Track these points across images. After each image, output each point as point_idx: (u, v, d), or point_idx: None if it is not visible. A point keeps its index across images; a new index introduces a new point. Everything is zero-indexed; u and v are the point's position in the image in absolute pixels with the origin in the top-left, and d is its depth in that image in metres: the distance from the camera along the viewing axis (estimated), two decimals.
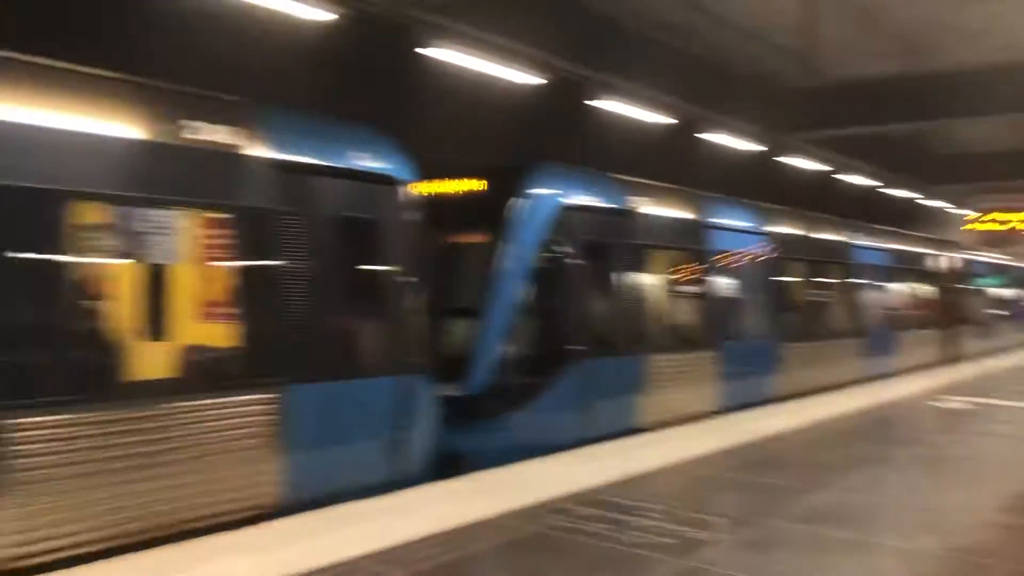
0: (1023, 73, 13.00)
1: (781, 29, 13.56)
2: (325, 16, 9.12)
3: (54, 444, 5.13)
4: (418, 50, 10.56)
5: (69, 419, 5.18)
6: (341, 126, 7.08)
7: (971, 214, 24.85)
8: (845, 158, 19.41)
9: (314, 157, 6.60)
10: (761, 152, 16.38)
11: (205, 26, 9.56)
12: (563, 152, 11.54)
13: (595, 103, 12.80)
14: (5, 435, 4.91)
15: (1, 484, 4.89)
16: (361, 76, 11.55)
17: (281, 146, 6.36)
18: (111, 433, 5.32)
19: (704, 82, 14.51)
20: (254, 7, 8.95)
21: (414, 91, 11.54)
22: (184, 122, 5.84)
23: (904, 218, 25.95)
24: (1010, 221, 23.84)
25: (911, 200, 25.35)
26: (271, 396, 6.11)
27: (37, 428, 5.07)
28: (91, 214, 5.46)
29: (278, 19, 9.35)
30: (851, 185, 21.65)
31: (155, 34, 9.29)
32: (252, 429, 5.94)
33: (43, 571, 4.92)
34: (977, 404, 12.66)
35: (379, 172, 7.01)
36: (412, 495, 6.69)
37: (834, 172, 20.16)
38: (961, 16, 13.65)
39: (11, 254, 5.06)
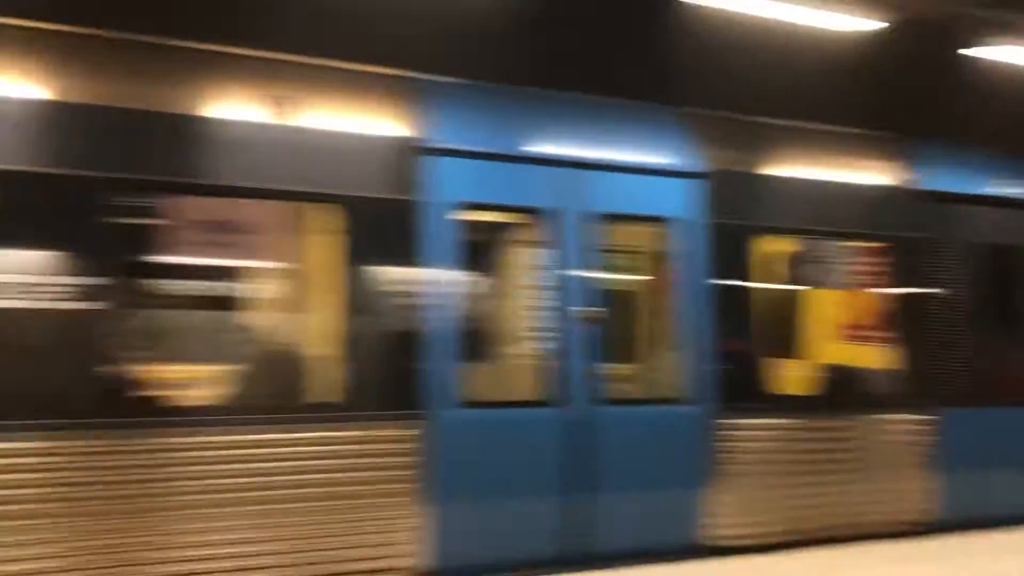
0: None
1: None
2: (869, 26, 8.66)
3: (772, 444, 6.20)
4: (963, 51, 9.66)
5: (786, 423, 6.25)
6: (979, 153, 7.51)
7: None
8: None
9: (964, 186, 7.11)
10: None
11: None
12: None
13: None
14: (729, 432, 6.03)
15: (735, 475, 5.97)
16: (900, 87, 10.83)
17: (932, 177, 6.96)
18: (817, 439, 6.37)
19: None
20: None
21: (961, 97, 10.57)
22: (864, 162, 6.93)
23: None
24: None
25: None
26: (928, 418, 6.70)
27: (764, 429, 6.13)
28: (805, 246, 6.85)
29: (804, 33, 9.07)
30: None
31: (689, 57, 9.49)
32: (910, 448, 6.57)
33: (741, 552, 5.92)
34: None
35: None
36: None
37: None
38: None
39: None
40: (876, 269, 6.61)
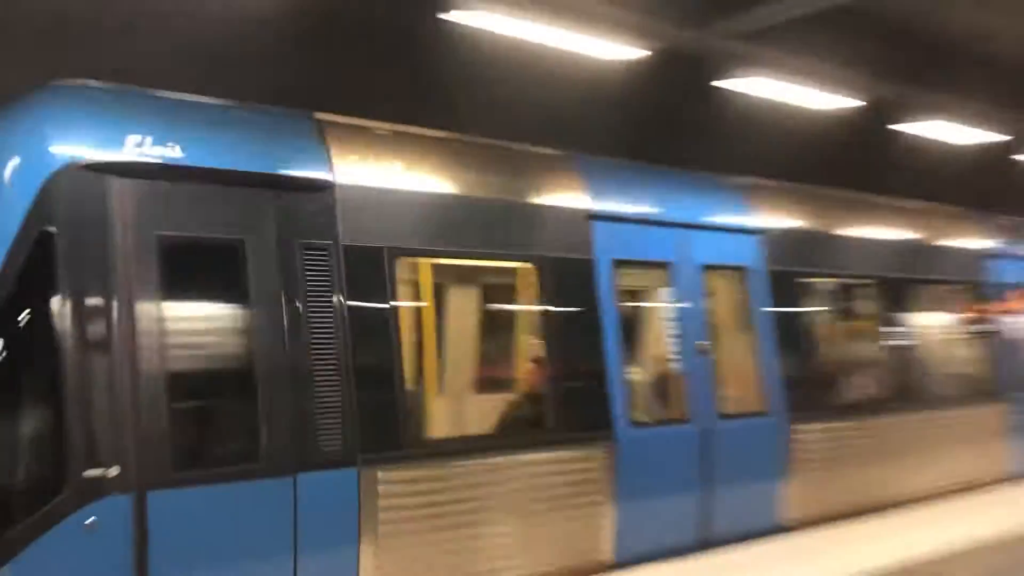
0: None
1: None
2: (634, 54, 8.14)
3: None
4: (716, 83, 9.42)
5: None
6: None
7: None
8: None
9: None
10: None
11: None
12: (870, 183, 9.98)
13: (902, 127, 11.06)
14: None
15: None
16: (663, 114, 10.57)
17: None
18: None
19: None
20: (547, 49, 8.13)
21: (718, 126, 10.43)
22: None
23: None
24: None
25: None
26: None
27: None
28: None
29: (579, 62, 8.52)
30: None
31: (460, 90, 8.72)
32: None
33: None
34: None
35: None
36: None
37: None
38: None
39: None
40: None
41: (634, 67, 8.71)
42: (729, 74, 9.33)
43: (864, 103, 10.33)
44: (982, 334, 8.91)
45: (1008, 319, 9.11)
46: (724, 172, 7.84)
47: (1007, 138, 11.82)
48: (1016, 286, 9.31)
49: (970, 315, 8.90)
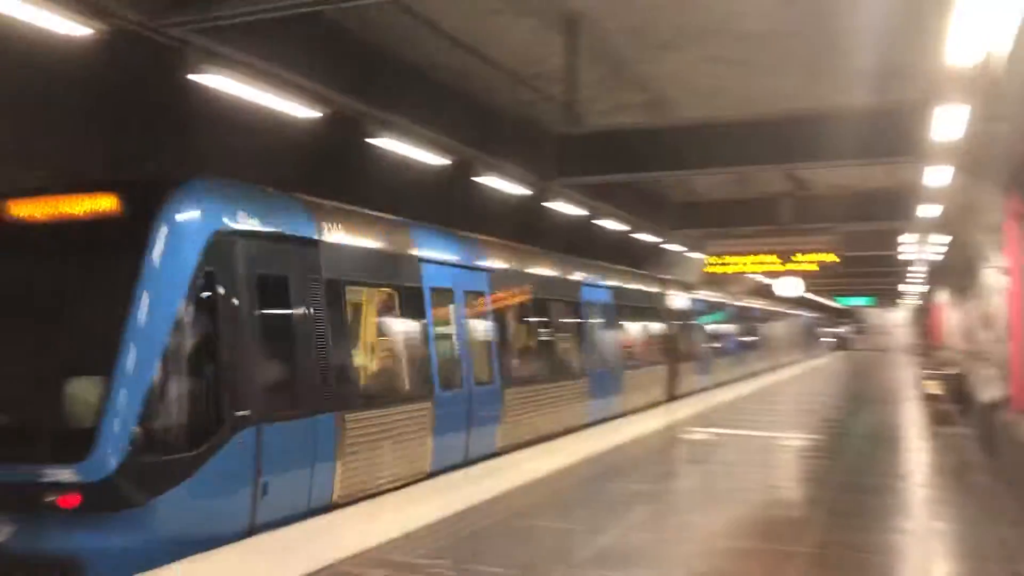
0: (741, 130, 13.44)
1: (545, 75, 13.55)
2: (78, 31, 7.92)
3: None
4: (192, 76, 9.53)
5: None
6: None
7: (709, 257, 26.16)
8: (603, 203, 19.82)
9: None
10: (530, 196, 16.34)
11: None
12: (343, 190, 10.87)
13: (374, 140, 12.21)
14: None
15: None
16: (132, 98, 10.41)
17: None
18: None
19: (479, 124, 14.30)
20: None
21: (199, 122, 10.60)
22: None
23: (652, 260, 26.99)
24: (740, 263, 25.25)
25: (657, 244, 26.37)
26: None
27: None
28: None
29: None
30: (607, 230, 22.18)
31: None
32: None
33: None
34: (720, 435, 13.33)
35: None
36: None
37: (592, 217, 20.53)
38: (696, 75, 14.18)
39: None
40: None
41: (94, 48, 8.55)
42: (200, 69, 9.41)
43: (330, 113, 11.06)
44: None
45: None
46: (201, 168, 8.87)
47: (448, 161, 13.47)
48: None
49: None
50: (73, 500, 6.25)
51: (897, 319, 76.26)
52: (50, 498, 6.24)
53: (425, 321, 10.23)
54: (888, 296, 59.69)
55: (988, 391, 13.97)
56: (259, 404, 7.35)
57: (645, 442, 13.50)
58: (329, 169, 13.04)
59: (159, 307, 6.82)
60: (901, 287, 47.46)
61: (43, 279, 7.19)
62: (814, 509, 9.10)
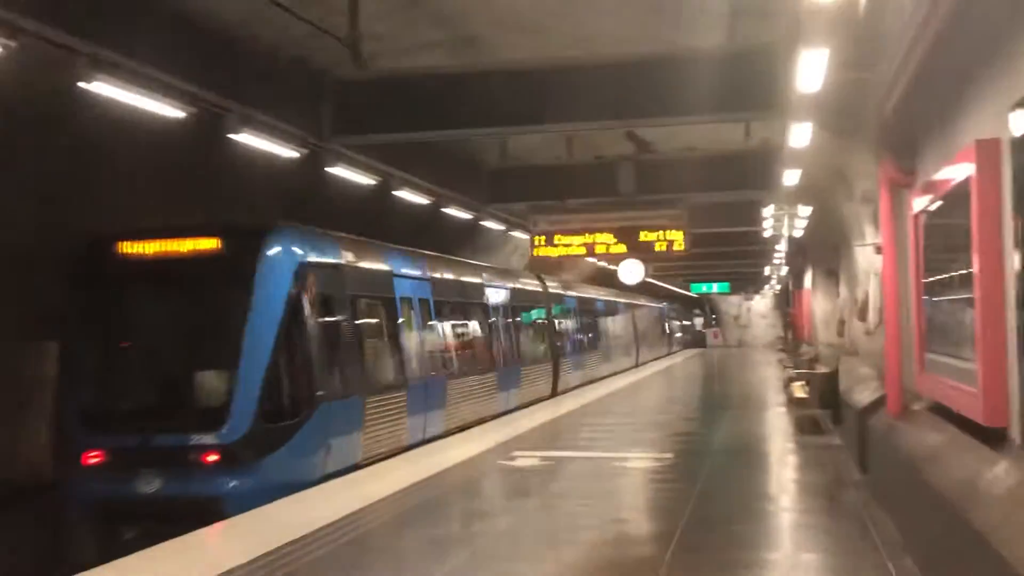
0: (571, 78, 13.13)
1: (324, 2, 13.17)
2: None
3: None
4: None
5: None
6: None
7: (536, 238, 25.91)
8: (399, 171, 19.59)
9: None
10: (306, 161, 15.92)
11: None
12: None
13: (86, 85, 11.46)
14: None
15: None
16: None
17: None
18: None
19: (231, 65, 13.76)
20: None
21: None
22: None
23: (466, 242, 26.99)
24: (570, 244, 25.38)
25: (474, 222, 26.35)
26: None
27: None
28: None
29: None
30: (409, 204, 21.97)
31: None
32: None
33: None
34: (551, 458, 13.43)
35: None
36: None
37: (386, 187, 20.23)
38: (514, 8, 14.15)
39: None
40: None
41: None
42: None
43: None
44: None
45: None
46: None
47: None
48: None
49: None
50: (214, 456, 11.77)
51: (760, 308, 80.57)
52: (196, 456, 11.74)
53: (399, 322, 16.85)
54: (752, 282, 62.77)
55: (861, 393, 14.81)
56: (328, 387, 13.41)
57: (452, 476, 13.45)
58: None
59: (266, 319, 12.47)
60: (768, 270, 49.99)
61: (179, 299, 13.47)
62: (662, 546, 9.28)
